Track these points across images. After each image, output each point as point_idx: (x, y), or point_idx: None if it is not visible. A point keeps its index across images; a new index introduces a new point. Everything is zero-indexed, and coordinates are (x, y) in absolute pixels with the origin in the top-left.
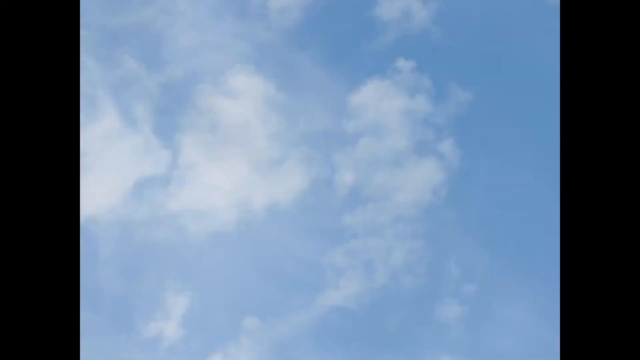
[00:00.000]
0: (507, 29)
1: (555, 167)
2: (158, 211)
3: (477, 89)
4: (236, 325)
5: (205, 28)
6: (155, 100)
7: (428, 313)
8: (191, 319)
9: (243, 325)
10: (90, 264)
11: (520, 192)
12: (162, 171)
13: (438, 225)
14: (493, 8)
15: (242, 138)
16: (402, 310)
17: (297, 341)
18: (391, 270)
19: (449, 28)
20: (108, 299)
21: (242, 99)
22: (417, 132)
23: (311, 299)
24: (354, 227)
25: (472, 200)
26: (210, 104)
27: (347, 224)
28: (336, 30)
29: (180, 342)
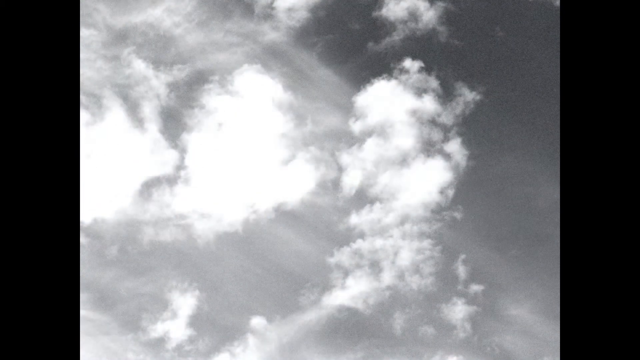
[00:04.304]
0: (514, 29)
1: None
2: (165, 211)
3: (484, 89)
4: (243, 325)
5: (212, 28)
6: (162, 101)
7: (435, 313)
8: (198, 318)
9: (250, 325)
10: (98, 263)
11: (527, 191)
12: (170, 171)
13: (445, 226)
14: (499, 8)
15: (249, 138)
16: (409, 309)
17: (304, 341)
18: (398, 270)
19: (456, 28)
20: (116, 299)
21: (249, 99)
22: (424, 132)
23: (318, 298)
24: (360, 227)
25: (478, 200)
26: (217, 104)
27: (354, 224)
28: (343, 31)
29: (187, 342)
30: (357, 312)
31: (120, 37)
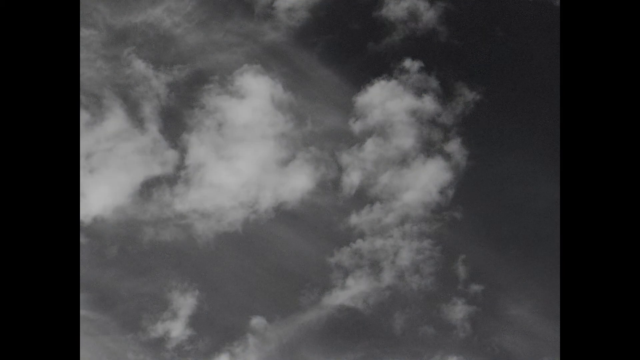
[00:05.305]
0: (514, 29)
1: None
2: (165, 211)
3: (484, 89)
4: (243, 325)
5: (212, 28)
6: (162, 101)
7: (435, 313)
8: (198, 318)
9: (250, 325)
10: (98, 263)
11: (527, 191)
12: (170, 171)
13: (445, 226)
14: (499, 8)
15: (249, 138)
16: (409, 309)
17: (304, 340)
18: (398, 270)
19: (456, 28)
20: (116, 299)
21: (249, 99)
22: (424, 132)
23: (318, 298)
24: (360, 227)
25: (478, 200)
26: (217, 104)
27: (354, 224)
28: (343, 31)
29: (187, 342)
30: (357, 312)
31: (120, 37)
